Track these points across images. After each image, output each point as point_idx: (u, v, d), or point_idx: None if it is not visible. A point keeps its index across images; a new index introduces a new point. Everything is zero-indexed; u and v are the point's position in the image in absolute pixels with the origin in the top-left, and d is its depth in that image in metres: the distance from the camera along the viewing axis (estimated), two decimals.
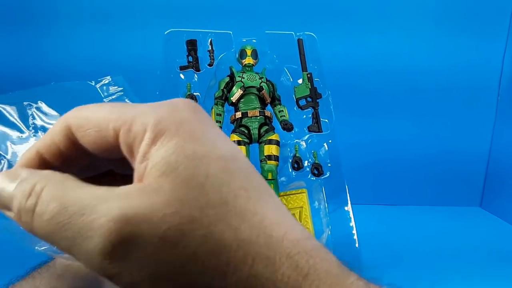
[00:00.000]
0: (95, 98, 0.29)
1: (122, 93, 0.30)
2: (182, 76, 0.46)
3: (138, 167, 0.17)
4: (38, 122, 0.27)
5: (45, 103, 0.28)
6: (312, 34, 0.48)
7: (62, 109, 0.28)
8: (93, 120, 0.19)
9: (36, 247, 0.31)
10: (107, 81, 0.30)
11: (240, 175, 0.18)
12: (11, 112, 0.27)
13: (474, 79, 0.76)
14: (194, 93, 0.46)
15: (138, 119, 0.18)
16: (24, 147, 0.27)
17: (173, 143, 0.17)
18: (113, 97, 0.30)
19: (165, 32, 0.45)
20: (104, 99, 0.30)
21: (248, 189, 0.17)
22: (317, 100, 0.47)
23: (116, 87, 0.31)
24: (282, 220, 0.17)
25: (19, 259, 0.30)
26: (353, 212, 0.45)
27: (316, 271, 0.16)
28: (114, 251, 0.16)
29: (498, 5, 0.74)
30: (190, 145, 0.17)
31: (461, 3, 0.74)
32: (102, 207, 0.16)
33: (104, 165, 0.22)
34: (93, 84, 0.30)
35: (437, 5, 0.74)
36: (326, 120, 0.47)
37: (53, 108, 0.28)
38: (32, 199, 0.17)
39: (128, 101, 0.29)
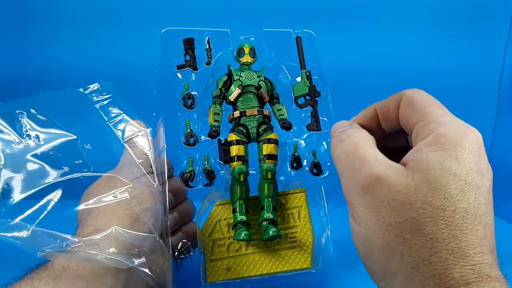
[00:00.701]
0: (84, 104, 0.29)
1: (111, 99, 0.30)
2: (179, 75, 0.46)
3: (410, 154, 0.26)
4: (31, 130, 0.27)
5: (37, 111, 0.28)
6: (311, 31, 0.47)
7: (53, 117, 0.28)
8: (413, 105, 0.28)
9: (39, 253, 0.32)
10: (96, 88, 0.30)
11: (469, 199, 0.23)
12: (2, 121, 0.27)
13: (474, 79, 0.75)
14: (192, 92, 0.45)
15: (433, 124, 0.25)
16: (18, 154, 0.27)
17: (440, 154, 0.24)
18: (103, 103, 0.30)
19: (162, 31, 0.45)
20: (95, 105, 0.30)
21: (468, 212, 0.23)
22: (316, 99, 0.46)
23: (105, 93, 0.31)
24: (474, 251, 0.22)
25: (18, 260, 0.30)
26: None
27: None
28: (360, 190, 0.25)
29: (498, 4, 0.72)
30: (449, 162, 0.23)
31: (461, 2, 0.72)
32: (373, 165, 0.25)
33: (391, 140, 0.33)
34: (82, 91, 0.30)
35: (437, 4, 0.73)
36: (325, 119, 0.46)
37: (44, 116, 0.28)
38: (344, 136, 0.29)
39: (117, 107, 0.30)
